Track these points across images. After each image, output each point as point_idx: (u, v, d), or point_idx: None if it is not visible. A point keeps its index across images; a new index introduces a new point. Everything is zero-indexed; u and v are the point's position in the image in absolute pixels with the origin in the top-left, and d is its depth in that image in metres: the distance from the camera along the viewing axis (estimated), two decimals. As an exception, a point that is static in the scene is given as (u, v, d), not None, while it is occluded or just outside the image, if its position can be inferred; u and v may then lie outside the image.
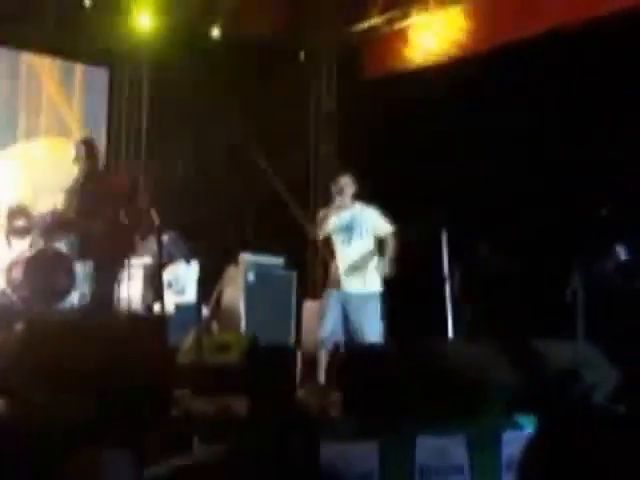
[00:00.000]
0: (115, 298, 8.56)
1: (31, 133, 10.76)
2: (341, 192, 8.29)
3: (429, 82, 10.36)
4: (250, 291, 10.08)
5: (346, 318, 8.09)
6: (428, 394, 6.40)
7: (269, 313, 10.04)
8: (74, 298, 8.94)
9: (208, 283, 9.67)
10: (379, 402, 6.25)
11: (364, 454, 5.81)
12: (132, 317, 7.82)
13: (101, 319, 8.34)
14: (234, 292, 10.18)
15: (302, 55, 12.37)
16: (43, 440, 4.79)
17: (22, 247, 9.06)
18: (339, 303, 8.11)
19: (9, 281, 8.75)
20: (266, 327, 9.46)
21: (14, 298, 8.64)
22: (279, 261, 10.61)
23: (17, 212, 9.04)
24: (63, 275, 8.69)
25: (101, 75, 11.53)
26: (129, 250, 8.46)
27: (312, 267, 12.28)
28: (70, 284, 8.74)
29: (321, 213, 8.48)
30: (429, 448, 6.04)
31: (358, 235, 8.27)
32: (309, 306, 10.35)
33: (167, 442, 5.00)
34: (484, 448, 6.23)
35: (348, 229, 8.29)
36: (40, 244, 8.94)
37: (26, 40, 10.65)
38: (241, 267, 10.32)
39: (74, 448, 4.83)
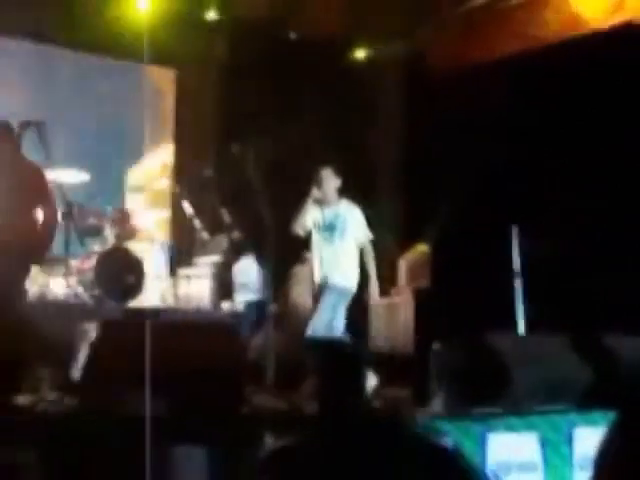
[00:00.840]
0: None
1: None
2: (320, 185, 7.86)
3: (500, 79, 10.25)
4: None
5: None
6: (500, 391, 6.38)
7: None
8: (144, 297, 9.06)
9: (276, 281, 9.70)
10: (450, 399, 6.26)
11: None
12: (203, 316, 7.89)
13: (173, 319, 8.47)
14: (302, 290, 10.20)
15: (367, 55, 12.33)
16: (119, 438, 4.86)
17: (94, 246, 9.19)
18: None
19: (81, 280, 8.88)
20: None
21: (86, 297, 8.77)
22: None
23: (88, 212, 9.17)
24: (132, 274, 8.80)
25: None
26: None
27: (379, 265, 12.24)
28: (140, 283, 8.85)
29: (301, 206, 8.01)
30: (501, 445, 6.04)
31: (339, 235, 7.87)
32: (377, 304, 10.33)
33: (239, 439, 5.05)
34: (557, 445, 6.19)
35: (331, 227, 7.91)
36: (111, 244, 9.07)
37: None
38: (308, 264, 10.34)
39: (150, 445, 4.90)
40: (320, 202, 7.90)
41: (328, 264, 7.80)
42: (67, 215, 7.37)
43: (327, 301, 7.73)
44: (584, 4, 9.78)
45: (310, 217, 7.91)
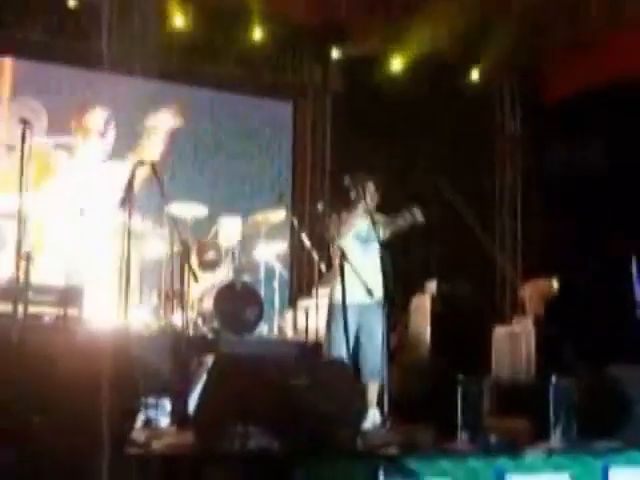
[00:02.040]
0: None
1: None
2: (369, 198, 7.76)
3: (619, 103, 10.05)
4: (437, 319, 10.01)
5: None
6: (621, 424, 6.22)
7: (457, 340, 9.92)
8: (262, 330, 9.13)
9: (396, 312, 9.65)
10: (570, 432, 6.12)
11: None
12: (316, 350, 7.89)
13: (285, 352, 8.50)
14: (421, 321, 10.14)
15: (483, 78, 12.26)
16: (233, 471, 4.88)
17: (212, 279, 9.29)
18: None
19: (200, 312, 8.99)
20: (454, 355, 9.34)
21: (205, 329, 8.87)
22: (466, 288, 10.51)
23: (207, 245, 9.29)
24: (251, 307, 8.87)
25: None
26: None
27: (501, 293, 12.14)
28: (258, 315, 8.91)
29: (341, 216, 7.81)
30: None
31: (374, 248, 7.59)
32: (499, 332, 10.19)
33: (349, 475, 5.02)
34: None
35: (366, 239, 7.77)
36: (229, 276, 9.16)
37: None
38: (427, 295, 10.27)
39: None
40: (362, 215, 7.78)
41: (368, 276, 7.43)
42: (184, 250, 7.47)
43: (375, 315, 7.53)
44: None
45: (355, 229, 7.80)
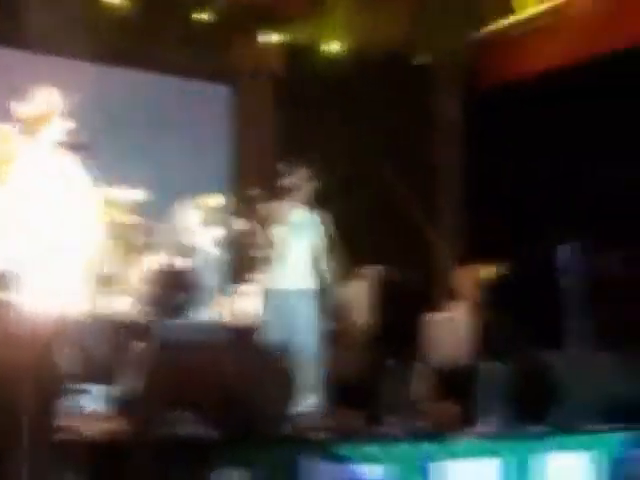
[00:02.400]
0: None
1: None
2: (299, 187, 7.75)
3: (551, 90, 10.17)
4: (375, 305, 10.04)
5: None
6: (551, 409, 6.30)
7: (395, 326, 9.97)
8: (198, 315, 9.08)
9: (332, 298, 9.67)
10: (500, 417, 6.18)
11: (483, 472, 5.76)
12: (252, 335, 7.87)
13: (220, 337, 8.47)
14: (359, 306, 10.17)
15: (424, 63, 12.30)
16: (163, 458, 4.88)
17: (148, 263, 9.22)
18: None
19: (135, 297, 8.93)
20: (391, 341, 9.39)
21: (140, 314, 8.80)
22: (404, 274, 10.56)
23: (142, 229, 9.22)
24: (187, 292, 8.82)
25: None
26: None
27: (438, 279, 12.21)
28: (195, 300, 8.87)
29: (277, 203, 7.83)
30: (552, 464, 5.96)
31: (309, 234, 7.69)
32: (435, 317, 10.25)
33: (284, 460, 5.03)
34: (608, 465, 6.09)
35: (301, 226, 7.75)
36: (164, 260, 9.09)
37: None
38: (365, 281, 10.31)
39: (194, 466, 4.91)
40: (292, 205, 7.78)
41: (303, 262, 7.54)
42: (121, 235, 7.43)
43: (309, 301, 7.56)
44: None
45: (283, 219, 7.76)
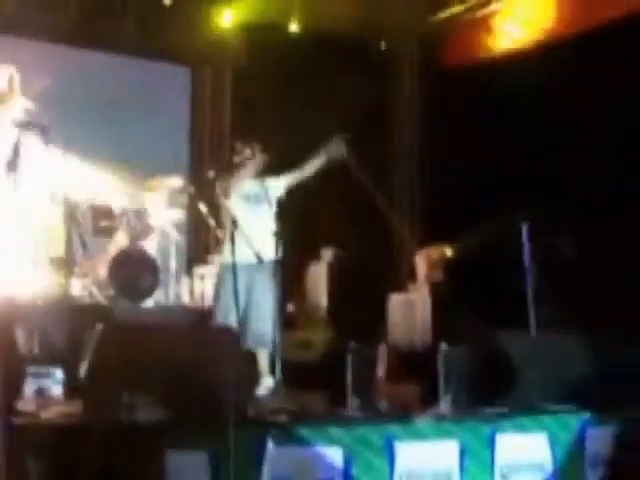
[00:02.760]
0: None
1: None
2: (249, 160, 7.61)
3: (513, 71, 10.21)
4: (333, 287, 10.08)
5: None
6: (509, 390, 6.34)
7: (353, 308, 10.00)
8: (158, 297, 9.06)
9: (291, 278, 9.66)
10: (459, 398, 6.21)
11: (443, 452, 5.79)
12: (209, 318, 7.84)
13: (179, 319, 8.46)
14: (317, 288, 10.20)
15: (383, 45, 12.30)
16: (119, 441, 4.85)
17: (108, 245, 9.17)
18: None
19: (95, 280, 8.88)
20: (350, 322, 9.42)
21: (100, 297, 8.76)
22: (363, 256, 10.60)
23: (101, 212, 9.16)
24: (147, 274, 8.79)
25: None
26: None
27: (397, 260, 12.24)
28: (154, 283, 8.84)
29: (227, 179, 7.68)
30: (510, 445, 6.00)
31: (264, 210, 7.59)
32: (395, 299, 10.29)
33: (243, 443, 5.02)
34: (566, 444, 6.15)
35: (257, 201, 7.65)
36: (124, 243, 9.05)
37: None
38: (323, 263, 10.34)
39: (151, 449, 4.89)
40: (245, 177, 7.67)
41: (258, 238, 7.27)
42: (75, 217, 7.38)
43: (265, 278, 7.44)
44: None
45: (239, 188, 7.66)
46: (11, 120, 7.73)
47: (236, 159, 7.67)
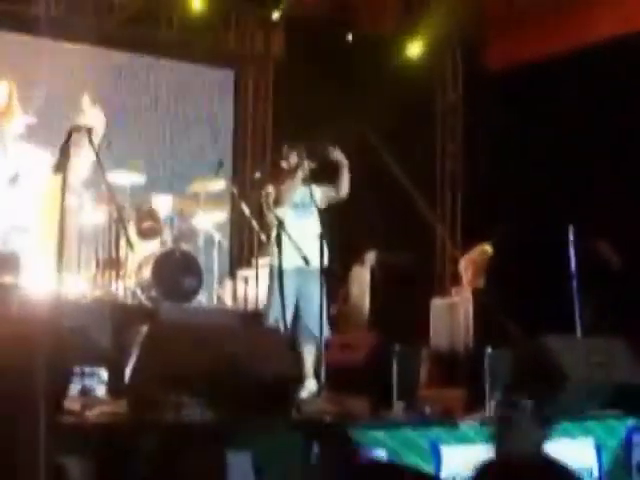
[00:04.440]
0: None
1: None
2: (301, 165, 7.60)
3: (559, 74, 10.13)
4: (376, 290, 10.05)
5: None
6: (555, 395, 6.28)
7: (396, 311, 9.96)
8: (201, 299, 9.07)
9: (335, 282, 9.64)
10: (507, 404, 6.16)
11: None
12: (256, 319, 7.85)
13: (224, 321, 8.46)
14: (360, 291, 10.18)
15: (420, 47, 12.24)
16: (167, 441, 4.86)
17: (151, 248, 9.21)
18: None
19: (139, 281, 8.92)
20: (392, 325, 9.38)
21: (143, 298, 8.80)
22: (406, 259, 10.56)
23: (146, 214, 9.20)
24: (190, 275, 8.81)
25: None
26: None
27: (440, 264, 12.21)
28: (198, 284, 8.86)
29: (279, 186, 7.69)
30: (556, 450, 5.94)
31: (311, 215, 7.54)
32: (438, 303, 10.25)
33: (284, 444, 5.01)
34: (612, 451, 6.09)
35: (303, 207, 7.63)
36: (168, 245, 9.08)
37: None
38: (367, 266, 10.32)
39: (196, 449, 4.89)
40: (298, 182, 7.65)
41: (304, 242, 7.31)
42: (121, 218, 7.42)
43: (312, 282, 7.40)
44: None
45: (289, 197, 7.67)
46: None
47: (284, 165, 7.71)
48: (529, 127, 10.18)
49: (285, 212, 7.55)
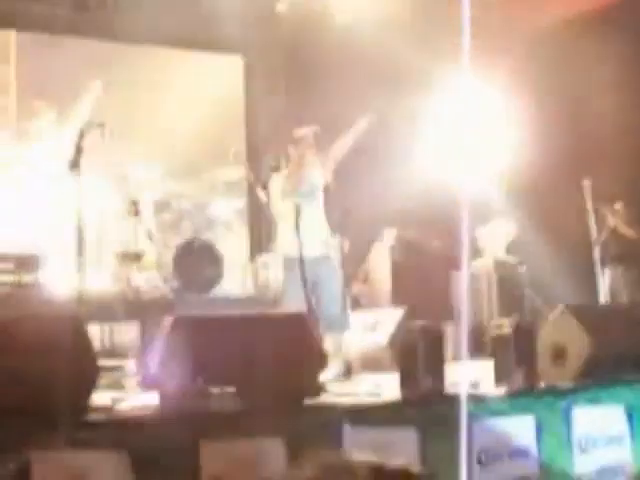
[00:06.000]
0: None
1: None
2: (310, 147, 7.69)
3: None
4: (397, 267, 10.03)
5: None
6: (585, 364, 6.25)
7: (418, 287, 9.94)
8: (223, 287, 9.09)
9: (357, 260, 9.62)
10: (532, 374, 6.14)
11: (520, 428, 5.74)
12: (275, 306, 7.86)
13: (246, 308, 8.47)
14: (381, 268, 10.17)
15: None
16: (194, 430, 4.87)
17: (172, 239, 9.23)
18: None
19: (160, 272, 8.94)
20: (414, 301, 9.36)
21: (165, 289, 8.82)
22: (425, 233, 10.53)
23: (164, 205, 9.22)
24: (210, 265, 8.82)
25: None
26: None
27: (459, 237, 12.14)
28: (218, 273, 8.88)
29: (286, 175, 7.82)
30: (587, 419, 5.93)
31: (318, 198, 7.67)
32: (459, 276, 10.21)
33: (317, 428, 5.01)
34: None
35: (311, 191, 7.69)
36: (187, 235, 9.11)
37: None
38: (386, 242, 10.30)
39: (224, 437, 4.90)
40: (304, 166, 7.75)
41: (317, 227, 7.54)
42: (139, 210, 7.46)
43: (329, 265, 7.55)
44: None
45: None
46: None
47: (292, 152, 7.71)
48: None
49: (299, 198, 7.56)
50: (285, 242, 7.57)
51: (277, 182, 7.77)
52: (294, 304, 7.18)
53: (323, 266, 7.48)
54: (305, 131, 7.75)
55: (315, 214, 7.56)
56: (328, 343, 7.32)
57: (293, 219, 7.23)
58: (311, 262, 7.30)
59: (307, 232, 7.21)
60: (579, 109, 10.23)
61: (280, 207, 7.72)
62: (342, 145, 7.78)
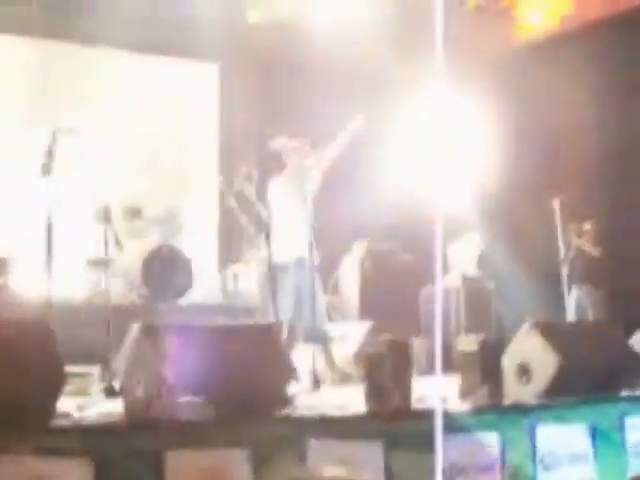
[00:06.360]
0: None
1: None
2: (300, 155, 7.73)
3: None
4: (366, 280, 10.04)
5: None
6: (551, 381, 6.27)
7: (386, 301, 9.96)
8: (192, 295, 9.07)
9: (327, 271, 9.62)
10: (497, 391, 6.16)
11: (485, 445, 5.75)
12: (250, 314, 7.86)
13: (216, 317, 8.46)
14: (350, 280, 10.17)
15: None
16: (159, 439, 4.85)
17: (141, 246, 9.19)
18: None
19: (129, 280, 8.91)
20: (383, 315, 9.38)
21: (134, 297, 8.79)
22: (395, 248, 10.55)
23: (134, 212, 9.18)
24: (180, 272, 8.80)
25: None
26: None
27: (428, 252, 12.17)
28: (188, 281, 8.85)
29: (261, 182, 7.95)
30: (551, 437, 5.95)
31: (300, 203, 7.65)
32: (428, 291, 10.23)
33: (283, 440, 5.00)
34: (608, 434, 6.09)
35: (305, 197, 7.68)
36: (156, 243, 9.07)
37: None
38: (356, 255, 10.31)
39: (189, 447, 4.88)
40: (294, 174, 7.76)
41: (297, 235, 7.51)
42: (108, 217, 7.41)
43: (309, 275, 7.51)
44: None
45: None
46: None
47: (274, 158, 7.72)
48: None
49: (275, 205, 7.56)
50: (279, 247, 7.54)
51: (275, 187, 7.76)
52: (283, 311, 7.16)
53: (303, 272, 7.45)
54: (301, 141, 7.76)
55: (306, 220, 7.55)
56: (316, 354, 7.32)
57: (288, 224, 7.25)
58: (292, 266, 7.31)
59: (285, 237, 7.22)
60: (551, 127, 10.33)
61: (276, 212, 7.71)
62: (338, 145, 7.78)
